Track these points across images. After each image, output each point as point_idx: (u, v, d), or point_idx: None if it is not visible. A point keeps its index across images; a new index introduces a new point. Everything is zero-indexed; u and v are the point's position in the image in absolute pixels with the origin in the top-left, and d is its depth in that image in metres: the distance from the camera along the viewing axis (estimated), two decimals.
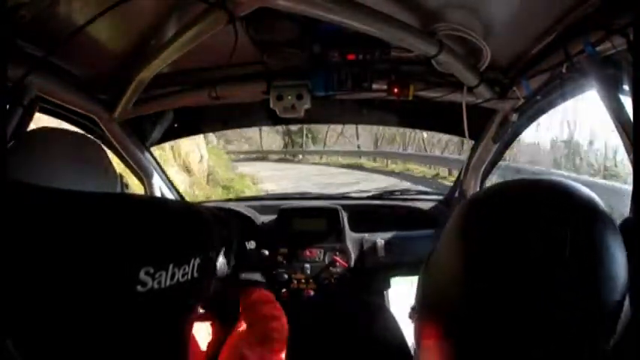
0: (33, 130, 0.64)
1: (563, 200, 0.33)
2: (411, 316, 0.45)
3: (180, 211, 0.55)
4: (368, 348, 0.56)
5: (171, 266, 0.47)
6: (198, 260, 0.51)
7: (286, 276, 1.33)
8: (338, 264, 1.34)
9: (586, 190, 0.34)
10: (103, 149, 0.67)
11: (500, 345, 0.32)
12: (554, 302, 0.30)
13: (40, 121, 0.87)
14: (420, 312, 0.43)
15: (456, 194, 1.48)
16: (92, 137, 0.76)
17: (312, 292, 1.32)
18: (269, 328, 0.71)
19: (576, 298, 0.30)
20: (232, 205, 1.54)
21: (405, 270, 1.36)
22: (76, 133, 0.67)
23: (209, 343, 0.85)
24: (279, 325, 0.73)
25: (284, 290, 1.31)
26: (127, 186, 0.68)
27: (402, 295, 1.34)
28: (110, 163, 0.66)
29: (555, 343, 0.30)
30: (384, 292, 1.34)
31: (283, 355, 0.64)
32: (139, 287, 0.44)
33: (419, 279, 0.46)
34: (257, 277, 0.78)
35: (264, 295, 0.80)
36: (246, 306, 0.79)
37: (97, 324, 0.43)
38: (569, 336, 0.30)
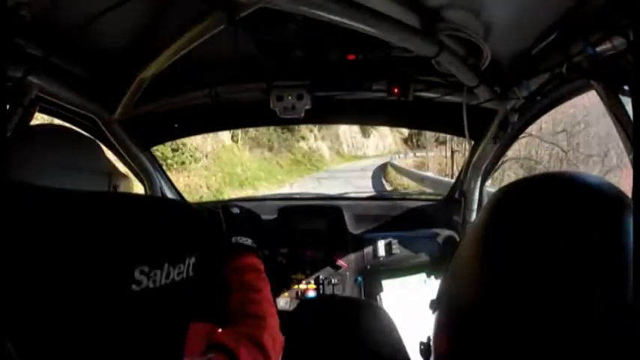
0: (26, 128, 0.65)
1: (588, 193, 0.33)
2: (431, 307, 0.45)
3: (175, 210, 0.55)
4: (364, 350, 0.56)
5: (166, 265, 0.47)
6: (193, 259, 0.51)
7: (286, 276, 1.33)
8: (338, 264, 1.34)
9: (610, 183, 0.34)
10: (98, 146, 0.67)
11: (519, 340, 0.32)
12: (581, 297, 0.30)
13: (39, 121, 0.87)
14: (441, 304, 0.43)
15: (456, 194, 1.48)
16: (87, 135, 0.76)
17: (312, 292, 1.32)
18: (246, 298, 0.67)
19: (605, 291, 0.30)
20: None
21: (405, 270, 1.36)
22: (69, 129, 0.67)
23: None
24: (259, 297, 0.68)
25: (284, 290, 1.31)
26: (115, 187, 0.67)
27: (394, 296, 1.34)
28: (103, 160, 0.66)
29: (579, 335, 0.30)
30: (377, 296, 1.34)
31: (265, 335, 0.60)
32: (134, 286, 0.44)
33: (444, 273, 0.46)
34: (249, 242, 0.75)
35: (250, 262, 0.77)
36: (230, 270, 0.75)
37: (92, 323, 0.43)
38: (597, 329, 0.30)
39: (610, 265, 0.30)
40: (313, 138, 20.28)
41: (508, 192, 0.40)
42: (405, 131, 29.93)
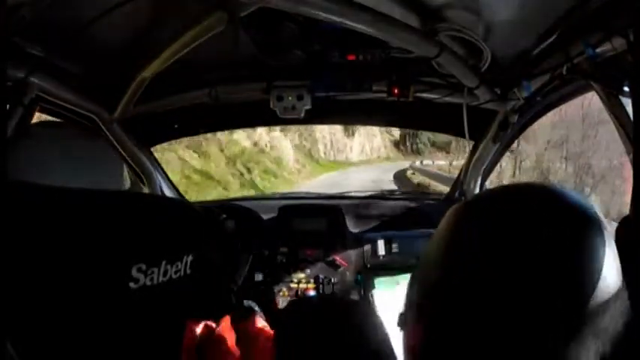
0: (32, 125, 0.64)
1: (552, 204, 0.33)
2: (399, 324, 0.45)
3: (172, 207, 0.55)
4: (347, 348, 0.56)
5: (163, 263, 0.47)
6: (191, 257, 0.51)
7: (286, 275, 1.33)
8: (338, 263, 1.34)
9: (576, 195, 0.34)
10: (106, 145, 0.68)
11: (481, 347, 0.32)
12: (535, 303, 0.30)
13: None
14: (408, 316, 0.43)
15: (456, 194, 1.48)
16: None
17: (312, 292, 1.32)
18: None
19: (557, 299, 0.30)
20: (233, 205, 1.54)
21: (405, 270, 1.36)
22: (78, 128, 0.67)
23: None
24: None
25: (284, 290, 1.31)
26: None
27: (387, 295, 1.34)
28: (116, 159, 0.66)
29: (535, 346, 0.30)
30: (369, 294, 1.34)
31: None
32: (131, 284, 0.45)
33: (409, 283, 0.46)
34: (252, 304, 0.76)
35: (257, 329, 0.76)
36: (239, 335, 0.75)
37: (90, 321, 0.43)
38: (549, 339, 0.30)
39: (566, 272, 0.30)
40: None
41: (471, 204, 0.39)
42: (397, 132, 25.06)
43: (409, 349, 0.42)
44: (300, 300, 1.29)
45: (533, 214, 0.32)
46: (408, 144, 26.87)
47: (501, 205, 0.35)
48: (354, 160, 21.64)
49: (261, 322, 0.75)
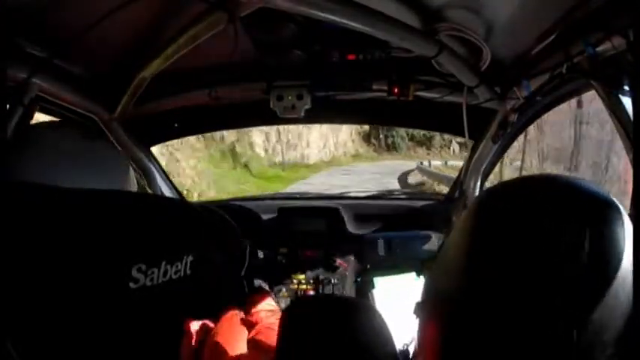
0: (33, 125, 0.64)
1: (578, 198, 0.33)
2: (415, 312, 0.45)
3: (173, 208, 0.55)
4: (351, 348, 0.56)
5: (163, 263, 0.47)
6: (190, 257, 0.51)
7: (286, 276, 1.33)
8: (338, 264, 1.34)
9: (595, 186, 0.33)
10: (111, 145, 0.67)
11: (500, 343, 0.32)
12: (566, 302, 0.30)
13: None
14: (425, 307, 0.43)
15: (456, 194, 1.48)
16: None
17: (312, 292, 1.32)
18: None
19: (592, 298, 0.30)
20: (233, 206, 1.54)
21: (405, 270, 1.36)
22: (85, 128, 0.66)
23: None
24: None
25: (284, 290, 1.31)
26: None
27: (387, 294, 1.34)
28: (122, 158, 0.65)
29: (562, 343, 0.30)
30: (369, 293, 1.34)
31: None
32: (131, 284, 0.45)
33: (427, 274, 0.46)
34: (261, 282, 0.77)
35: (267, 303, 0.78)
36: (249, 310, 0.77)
37: (90, 321, 0.43)
38: (577, 337, 0.30)
39: (592, 271, 0.30)
40: None
41: (494, 193, 0.39)
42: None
43: (424, 340, 0.42)
44: (300, 300, 1.29)
45: (557, 206, 0.32)
46: (381, 137, 21.42)
47: (524, 198, 0.34)
48: (312, 159, 14.01)
49: (271, 303, 0.75)
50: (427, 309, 0.42)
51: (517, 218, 0.33)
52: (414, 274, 1.35)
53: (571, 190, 0.33)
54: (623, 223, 0.31)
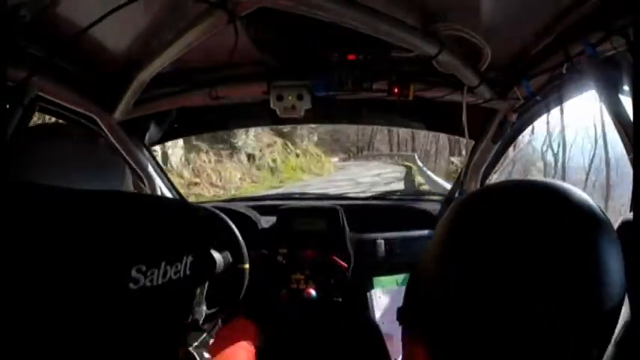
0: (33, 127, 0.64)
1: (559, 202, 0.32)
2: (398, 318, 0.44)
3: (172, 208, 0.55)
4: (344, 350, 0.56)
5: (163, 264, 0.47)
6: (190, 258, 0.51)
7: (286, 276, 1.33)
8: (338, 264, 1.34)
9: (580, 192, 0.32)
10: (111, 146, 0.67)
11: (483, 350, 0.31)
12: (543, 307, 0.29)
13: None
14: (407, 314, 0.42)
15: (457, 194, 1.48)
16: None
17: (312, 293, 1.32)
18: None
19: (569, 304, 0.29)
20: (233, 206, 1.54)
21: (405, 270, 1.36)
22: (86, 130, 0.66)
23: None
24: None
25: (284, 291, 1.31)
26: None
27: (386, 295, 1.34)
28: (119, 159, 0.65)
29: (543, 350, 0.29)
30: (367, 294, 1.34)
31: None
32: (131, 285, 0.44)
33: (408, 281, 0.45)
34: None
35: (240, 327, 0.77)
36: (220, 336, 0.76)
37: (90, 322, 0.43)
38: (557, 343, 0.29)
39: (577, 275, 0.29)
40: None
41: (471, 198, 0.38)
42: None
43: (408, 345, 0.42)
44: (300, 300, 1.29)
45: (539, 212, 0.31)
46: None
47: (503, 203, 0.33)
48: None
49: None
50: (408, 315, 0.42)
51: (495, 223, 0.32)
52: None
53: (553, 194, 0.32)
54: (606, 229, 0.31)
